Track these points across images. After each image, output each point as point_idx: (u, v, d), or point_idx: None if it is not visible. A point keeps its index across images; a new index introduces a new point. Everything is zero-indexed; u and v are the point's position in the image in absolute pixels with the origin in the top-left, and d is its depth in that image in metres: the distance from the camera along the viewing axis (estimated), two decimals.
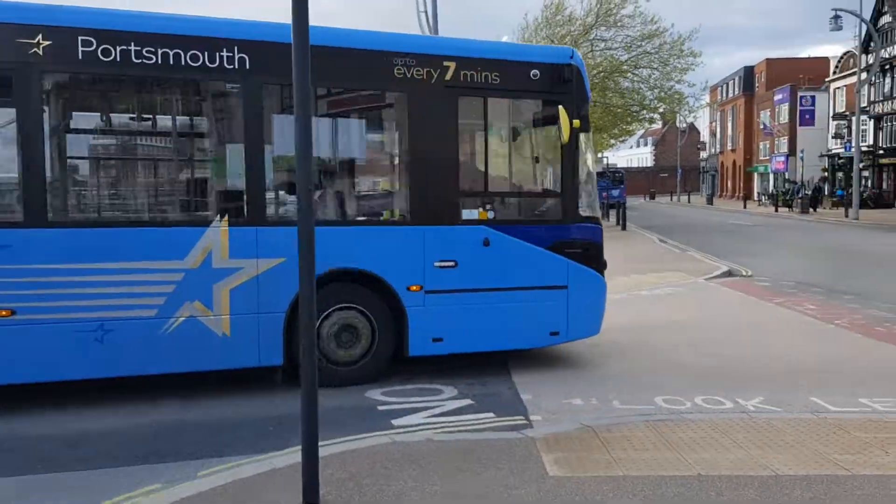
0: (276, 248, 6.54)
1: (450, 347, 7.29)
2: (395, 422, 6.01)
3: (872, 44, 46.02)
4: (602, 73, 33.38)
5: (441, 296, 7.18)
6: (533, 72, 7.49)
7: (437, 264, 7.15)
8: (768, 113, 68.54)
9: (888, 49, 47.38)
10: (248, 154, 6.61)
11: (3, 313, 5.92)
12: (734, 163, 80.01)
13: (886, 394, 6.74)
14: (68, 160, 6.94)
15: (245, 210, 6.66)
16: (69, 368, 6.15)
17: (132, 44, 6.22)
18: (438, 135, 7.18)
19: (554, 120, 7.49)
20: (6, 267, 5.92)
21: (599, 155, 68.56)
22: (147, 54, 6.28)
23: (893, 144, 49.17)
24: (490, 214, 7.42)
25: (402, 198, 7.41)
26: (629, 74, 34.85)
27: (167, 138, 7.32)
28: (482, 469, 4.76)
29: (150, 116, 7.27)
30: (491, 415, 6.18)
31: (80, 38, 6.07)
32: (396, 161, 7.75)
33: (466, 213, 7.30)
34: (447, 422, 6.01)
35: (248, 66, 6.56)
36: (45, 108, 6.28)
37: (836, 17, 36.02)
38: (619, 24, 33.44)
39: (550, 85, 7.54)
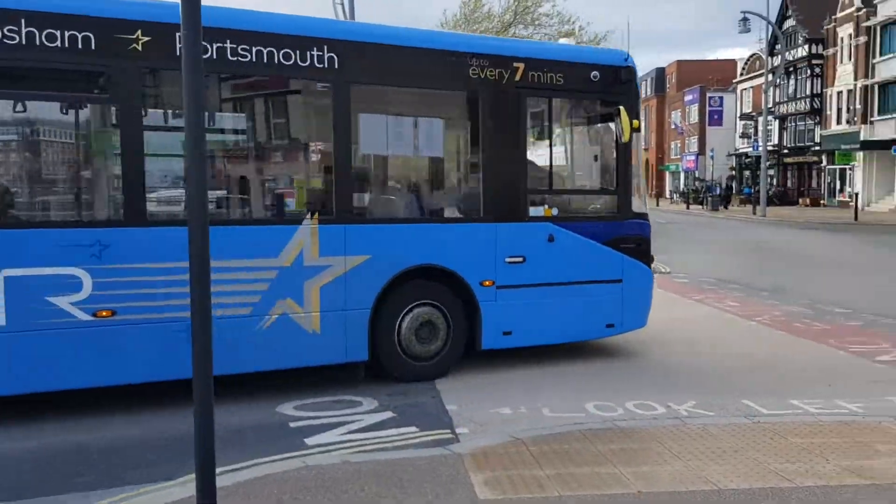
0: (362, 245, 6.66)
1: (518, 341, 7.49)
2: (308, 440, 5.47)
3: (778, 46, 47.84)
4: None
5: (511, 291, 7.34)
6: (594, 73, 7.69)
7: (507, 260, 7.33)
8: (679, 113, 70.46)
9: (792, 52, 49.28)
10: (336, 153, 6.63)
11: (105, 313, 5.78)
12: (647, 161, 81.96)
13: (814, 394, 6.61)
14: (168, 160, 6.86)
15: (333, 208, 6.64)
16: (167, 369, 5.95)
17: (230, 41, 6.13)
18: (508, 134, 7.34)
19: (610, 119, 7.91)
20: (108, 267, 5.78)
21: None
22: (244, 52, 6.22)
23: (797, 144, 51.21)
24: (554, 211, 7.64)
25: (475, 195, 7.41)
26: None
27: (262, 138, 7.49)
28: (404, 496, 4.29)
29: (247, 116, 7.34)
30: (414, 429, 5.71)
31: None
32: (469, 159, 7.80)
33: (533, 211, 7.49)
34: (366, 439, 5.50)
35: (337, 66, 6.56)
36: (147, 107, 6.17)
37: (745, 20, 37.10)
38: (536, 22, 33.47)
39: (609, 86, 7.81)
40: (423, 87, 7.26)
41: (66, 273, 5.68)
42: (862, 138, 42.20)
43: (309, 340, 6.52)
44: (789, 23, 50.50)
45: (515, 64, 7.29)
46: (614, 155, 8.02)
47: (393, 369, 6.93)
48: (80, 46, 5.67)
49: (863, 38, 43.55)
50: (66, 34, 5.63)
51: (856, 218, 33.17)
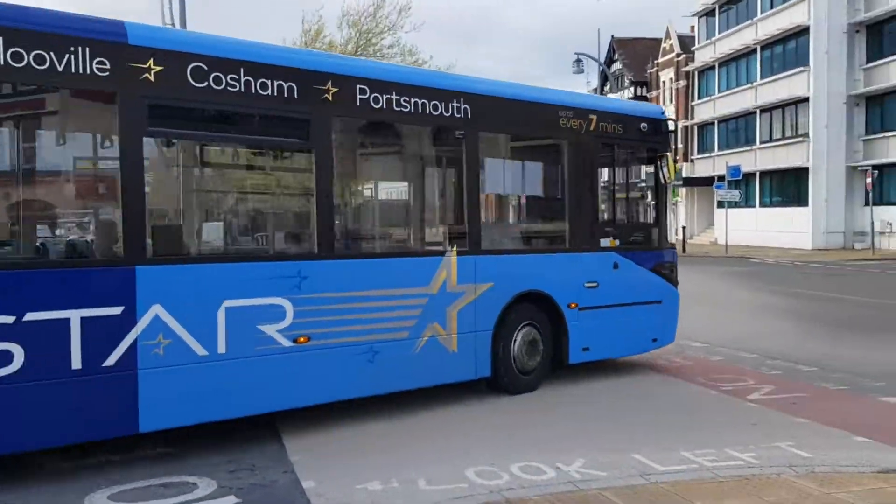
0: (488, 273, 7.54)
1: (593, 356, 8.55)
2: None
3: (607, 87, 50.41)
4: None
5: (588, 311, 8.38)
6: (643, 124, 9.02)
7: (586, 285, 8.39)
8: None
9: (619, 93, 52.05)
10: (468, 192, 7.56)
11: (303, 339, 6.29)
12: None
13: (703, 442, 6.15)
14: (351, 200, 8.13)
15: (467, 241, 7.49)
16: (346, 388, 6.64)
17: (392, 93, 6.92)
18: (586, 175, 8.50)
19: (652, 163, 9.32)
20: (305, 296, 6.29)
21: None
22: (404, 103, 6.99)
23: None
24: (617, 242, 8.68)
25: (563, 229, 8.51)
26: None
27: (411, 181, 8.41)
28: None
29: (404, 163, 8.39)
30: None
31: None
32: (559, 197, 8.69)
33: (602, 242, 8.56)
34: None
35: (469, 117, 7.46)
36: (335, 154, 6.74)
37: (578, 61, 38.54)
38: (379, 54, 33.06)
39: (653, 135, 9.13)
40: (528, 135, 8.48)
41: (273, 303, 6.16)
42: (685, 175, 45.02)
43: (450, 359, 7.31)
44: (616, 66, 53.50)
45: (590, 115, 8.49)
46: (655, 193, 9.46)
47: (508, 384, 7.82)
48: (285, 95, 6.25)
49: (683, 82, 46.78)
50: (276, 83, 6.19)
51: (683, 250, 34.99)
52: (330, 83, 6.48)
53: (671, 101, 47.89)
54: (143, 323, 5.49)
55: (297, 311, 6.26)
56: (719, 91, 42.83)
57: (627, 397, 7.89)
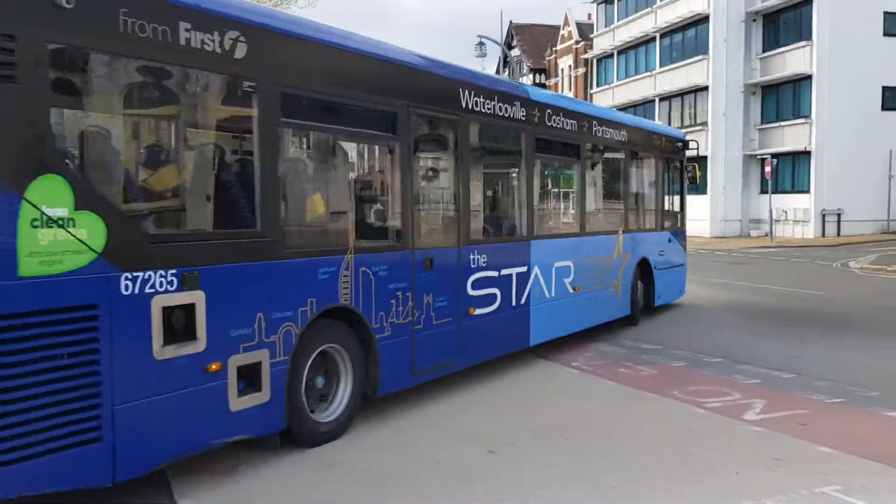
0: (629, 247, 11.19)
1: (660, 302, 12.44)
2: None
3: (506, 72, 49.57)
4: None
5: (659, 271, 12.23)
6: (678, 143, 13.11)
7: (660, 253, 12.27)
8: None
9: (518, 80, 51.36)
10: (625, 191, 11.32)
11: (577, 289, 9.65)
12: None
13: (726, 493, 4.85)
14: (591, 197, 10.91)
15: (630, 224, 11.41)
16: (585, 321, 10.12)
17: (605, 126, 10.63)
18: (660, 178, 12.39)
19: (680, 169, 13.18)
20: (577, 260, 9.67)
21: None
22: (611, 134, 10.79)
23: None
24: (667, 224, 12.79)
25: (653, 216, 12.30)
26: None
27: (616, 185, 11.41)
28: None
29: (609, 174, 11.49)
30: None
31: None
32: (650, 194, 12.28)
33: (665, 224, 12.76)
34: None
35: (626, 140, 11.27)
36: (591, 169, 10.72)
37: (481, 45, 37.36)
38: None
39: (682, 150, 13.24)
40: (641, 153, 11.91)
41: (568, 265, 9.46)
42: None
43: (617, 303, 10.92)
44: (514, 52, 52.80)
45: (662, 138, 12.55)
46: (681, 189, 13.40)
47: (636, 317, 11.56)
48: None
49: (581, 70, 46.53)
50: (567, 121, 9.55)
51: None
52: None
53: (570, 89, 47.60)
54: (531, 277, 8.66)
55: (574, 270, 9.61)
56: (618, 79, 42.73)
57: (599, 424, 6.52)
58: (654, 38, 39.24)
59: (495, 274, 7.91)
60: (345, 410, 6.03)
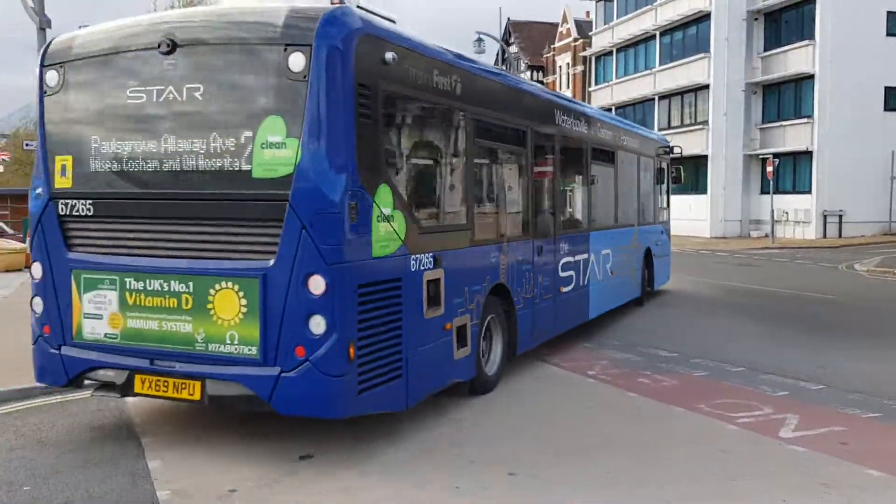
0: (641, 238, 13.23)
1: (657, 286, 14.57)
2: None
3: (504, 68, 49.10)
4: None
5: (657, 259, 14.23)
6: (666, 147, 15.25)
7: (657, 243, 14.36)
8: None
9: (519, 76, 50.84)
10: (638, 191, 13.23)
11: (613, 273, 11.57)
12: None
13: None
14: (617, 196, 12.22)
15: (640, 218, 13.27)
16: (615, 301, 11.98)
17: (622, 133, 12.64)
18: (656, 178, 14.44)
19: (667, 169, 15.24)
20: (612, 248, 11.57)
21: None
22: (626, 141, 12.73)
23: None
24: (661, 218, 14.98)
25: (651, 211, 14.10)
26: None
27: (631, 184, 13.03)
28: None
29: (628, 176, 12.86)
30: None
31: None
32: (648, 192, 13.94)
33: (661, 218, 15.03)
34: None
35: (641, 150, 13.59)
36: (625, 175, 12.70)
37: (480, 41, 36.90)
38: None
39: (668, 153, 15.27)
40: (645, 156, 13.75)
41: (608, 252, 11.27)
42: None
43: (633, 286, 12.90)
44: (512, 49, 52.30)
45: (659, 144, 14.96)
46: (668, 188, 15.38)
47: (643, 298, 13.46)
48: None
49: (580, 67, 46.11)
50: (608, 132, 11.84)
51: None
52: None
53: (568, 87, 47.19)
54: (590, 262, 10.44)
55: (612, 257, 11.44)
56: (617, 77, 42.32)
57: (626, 445, 6.07)
58: (654, 36, 38.83)
59: (573, 259, 9.86)
60: (499, 366, 7.74)
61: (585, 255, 10.26)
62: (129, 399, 6.65)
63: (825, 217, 31.80)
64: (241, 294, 5.31)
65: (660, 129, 38.50)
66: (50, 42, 6.29)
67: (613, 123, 12.23)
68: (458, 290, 6.67)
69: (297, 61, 5.20)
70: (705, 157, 34.90)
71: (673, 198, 39.53)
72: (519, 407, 7.12)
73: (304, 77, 5.19)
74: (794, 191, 32.86)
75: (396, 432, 6.16)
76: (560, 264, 9.30)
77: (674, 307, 13.80)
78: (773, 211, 31.26)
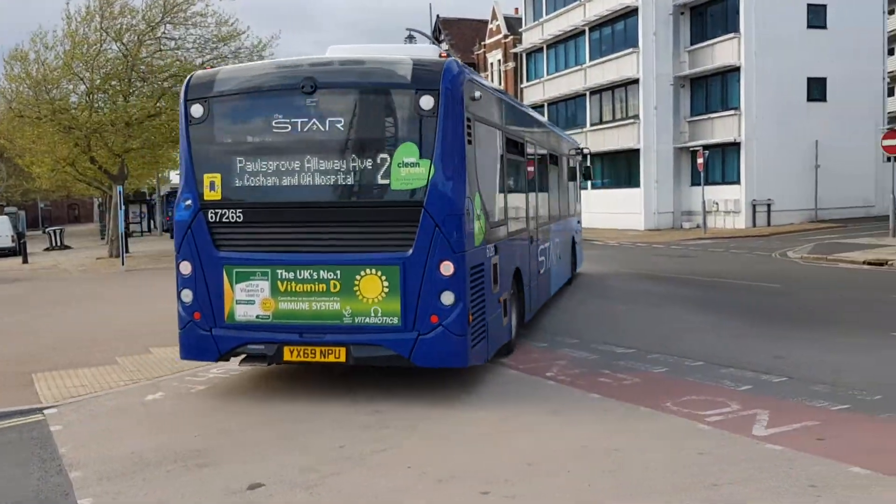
0: (571, 227, 15.67)
1: (577, 269, 16.82)
2: None
3: None
4: (174, 77, 28.64)
5: (577, 245, 16.64)
6: (580, 148, 17.29)
7: (577, 232, 16.81)
8: None
9: None
10: (571, 188, 16.27)
11: (560, 257, 13.91)
12: None
13: None
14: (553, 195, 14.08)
15: (570, 211, 15.69)
16: (559, 283, 13.78)
17: (552, 140, 14.12)
18: (572, 175, 16.23)
19: (578, 167, 17.33)
20: (555, 239, 13.34)
21: (173, 174, 62.39)
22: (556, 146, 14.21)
23: None
24: (578, 209, 17.37)
25: (573, 204, 16.47)
26: None
27: (566, 183, 15.36)
28: None
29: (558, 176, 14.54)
30: None
31: None
32: (573, 188, 16.64)
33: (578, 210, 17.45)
34: None
35: (562, 150, 15.06)
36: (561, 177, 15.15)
37: (410, 38, 36.49)
38: (189, 21, 29.05)
39: (579, 153, 17.16)
40: (572, 157, 16.20)
41: (557, 240, 13.46)
42: None
43: (568, 269, 15.01)
44: (443, 46, 51.98)
45: (571, 145, 16.18)
46: (578, 184, 17.60)
47: (573, 279, 15.75)
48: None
49: (511, 64, 46.13)
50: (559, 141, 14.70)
51: None
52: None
53: (500, 84, 47.13)
54: (550, 249, 12.44)
55: (560, 245, 13.59)
56: (548, 73, 42.45)
57: (600, 453, 5.74)
58: (583, 32, 39.07)
59: (544, 247, 11.85)
60: (514, 333, 9.27)
61: (548, 244, 12.22)
62: (56, 427, 6.70)
63: (754, 206, 32.50)
64: (383, 277, 7.03)
65: (592, 125, 38.86)
66: (190, 78, 7.57)
67: (557, 132, 14.82)
68: (505, 272, 8.56)
69: (427, 101, 6.95)
70: (637, 150, 35.28)
71: (608, 192, 40.66)
72: (484, 413, 6.73)
73: (434, 113, 6.95)
74: (724, 182, 33.48)
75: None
76: (539, 251, 11.30)
77: (623, 301, 13.66)
78: (704, 202, 31.77)
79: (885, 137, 23.76)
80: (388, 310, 7.02)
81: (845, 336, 9.82)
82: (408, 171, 7.00)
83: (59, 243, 39.13)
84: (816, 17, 33.15)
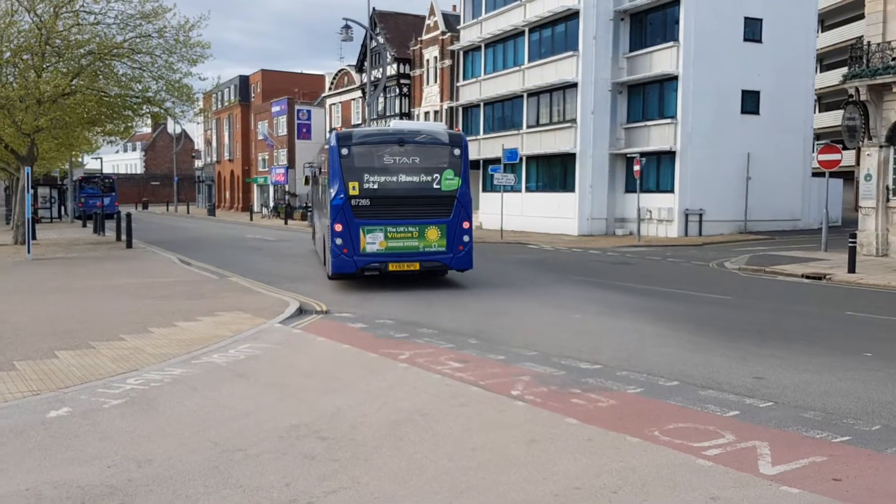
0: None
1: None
2: None
3: (366, 63, 47.52)
4: (92, 55, 26.69)
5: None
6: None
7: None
8: (266, 124, 67.52)
9: (379, 70, 49.45)
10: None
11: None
12: (232, 173, 77.46)
13: None
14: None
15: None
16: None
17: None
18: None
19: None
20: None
21: (88, 158, 59.21)
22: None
23: None
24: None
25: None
26: (126, 59, 28.65)
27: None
28: None
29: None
30: None
31: None
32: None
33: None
34: None
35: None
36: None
37: (347, 27, 35.40)
38: None
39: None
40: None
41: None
42: None
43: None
44: (379, 40, 50.78)
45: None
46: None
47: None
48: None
49: (448, 62, 45.34)
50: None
51: None
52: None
53: (436, 81, 46.33)
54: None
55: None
56: (486, 73, 41.83)
57: (606, 495, 4.95)
58: (523, 32, 38.60)
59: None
60: None
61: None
62: None
63: (687, 216, 32.64)
64: (439, 229, 15.13)
65: (528, 127, 38.45)
66: (338, 133, 15.69)
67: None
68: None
69: (455, 151, 15.49)
70: (573, 155, 35.03)
71: (542, 196, 40.29)
72: (452, 445, 5.85)
73: (459, 156, 15.46)
74: (658, 190, 33.54)
75: None
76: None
77: (573, 310, 13.00)
78: (639, 209, 31.71)
79: (820, 152, 23.97)
80: (440, 244, 15.26)
81: (817, 355, 9.34)
82: (448, 182, 15.41)
83: None
84: (752, 31, 33.56)
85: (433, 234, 15.02)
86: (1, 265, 20.66)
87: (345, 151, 14.90)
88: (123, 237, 27.92)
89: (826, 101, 54.27)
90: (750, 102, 33.71)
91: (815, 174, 35.71)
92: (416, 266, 14.96)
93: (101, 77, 27.88)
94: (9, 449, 5.69)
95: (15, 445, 5.77)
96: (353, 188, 14.84)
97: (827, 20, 53.37)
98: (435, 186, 15.13)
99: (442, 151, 15.35)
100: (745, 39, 33.30)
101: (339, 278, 15.49)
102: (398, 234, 14.91)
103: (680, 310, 13.10)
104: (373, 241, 14.80)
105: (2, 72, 26.02)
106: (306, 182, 32.36)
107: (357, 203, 14.85)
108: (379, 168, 15.05)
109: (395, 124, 18.16)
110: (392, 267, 14.85)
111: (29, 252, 22.27)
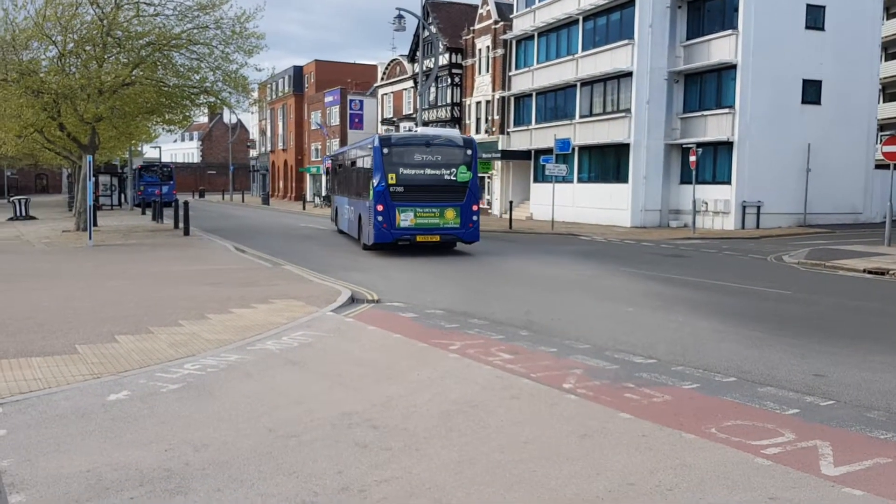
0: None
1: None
2: None
3: (418, 53, 47.51)
4: (151, 46, 27.26)
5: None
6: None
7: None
8: (319, 114, 68.16)
9: (432, 60, 49.43)
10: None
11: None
12: (286, 162, 78.51)
13: None
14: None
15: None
16: None
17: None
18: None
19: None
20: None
21: (147, 147, 60.56)
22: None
23: None
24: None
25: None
26: (184, 50, 29.18)
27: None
28: None
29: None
30: None
31: None
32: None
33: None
34: None
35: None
36: None
37: (400, 17, 35.36)
38: None
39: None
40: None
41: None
42: (501, 148, 43.54)
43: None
44: (431, 29, 50.71)
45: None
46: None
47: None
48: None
49: (500, 51, 45.05)
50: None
51: (510, 226, 33.29)
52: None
53: (488, 71, 46.11)
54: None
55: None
56: (538, 62, 41.48)
57: (661, 492, 4.86)
58: (577, 21, 38.13)
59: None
60: None
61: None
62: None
63: (744, 208, 31.92)
64: (455, 210, 20.35)
65: (581, 117, 38.03)
66: (380, 137, 21.07)
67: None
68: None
69: (468, 151, 20.82)
70: (627, 145, 34.53)
71: (594, 186, 39.79)
72: (502, 437, 5.81)
73: (471, 155, 20.80)
74: (714, 181, 32.86)
75: None
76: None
77: (626, 303, 12.81)
78: (695, 201, 31.11)
79: (885, 144, 23.16)
80: (456, 222, 20.25)
81: (880, 353, 9.03)
82: (462, 175, 20.44)
83: (23, 213, 37.54)
84: (815, 18, 32.57)
85: (450, 214, 20.10)
86: (64, 251, 21.33)
87: (385, 151, 20.07)
88: (181, 225, 28.53)
89: (891, 90, 52.32)
90: (811, 92, 32.74)
91: (878, 166, 34.56)
92: (437, 238, 20.18)
93: (160, 67, 28.48)
94: (71, 430, 5.86)
95: (77, 427, 5.94)
96: (392, 178, 19.88)
97: (892, 7, 51.41)
98: (452, 178, 20.31)
99: (458, 151, 20.53)
100: (807, 27, 32.34)
101: (377, 248, 20.81)
102: (424, 214, 19.96)
103: (737, 304, 12.81)
104: (405, 218, 19.83)
105: (65, 62, 26.76)
106: (327, 172, 38.82)
107: (394, 190, 19.85)
108: (410, 164, 20.14)
109: (422, 131, 22.51)
110: (419, 238, 19.98)
111: (90, 238, 22.93)
